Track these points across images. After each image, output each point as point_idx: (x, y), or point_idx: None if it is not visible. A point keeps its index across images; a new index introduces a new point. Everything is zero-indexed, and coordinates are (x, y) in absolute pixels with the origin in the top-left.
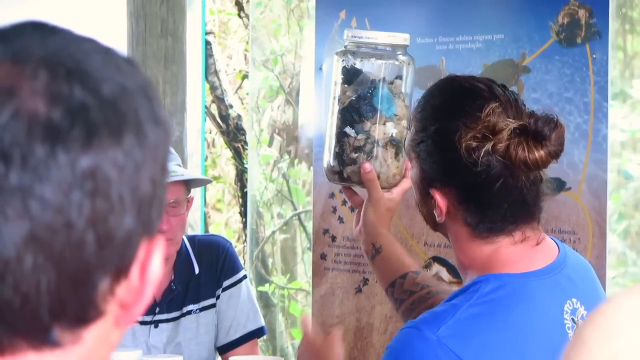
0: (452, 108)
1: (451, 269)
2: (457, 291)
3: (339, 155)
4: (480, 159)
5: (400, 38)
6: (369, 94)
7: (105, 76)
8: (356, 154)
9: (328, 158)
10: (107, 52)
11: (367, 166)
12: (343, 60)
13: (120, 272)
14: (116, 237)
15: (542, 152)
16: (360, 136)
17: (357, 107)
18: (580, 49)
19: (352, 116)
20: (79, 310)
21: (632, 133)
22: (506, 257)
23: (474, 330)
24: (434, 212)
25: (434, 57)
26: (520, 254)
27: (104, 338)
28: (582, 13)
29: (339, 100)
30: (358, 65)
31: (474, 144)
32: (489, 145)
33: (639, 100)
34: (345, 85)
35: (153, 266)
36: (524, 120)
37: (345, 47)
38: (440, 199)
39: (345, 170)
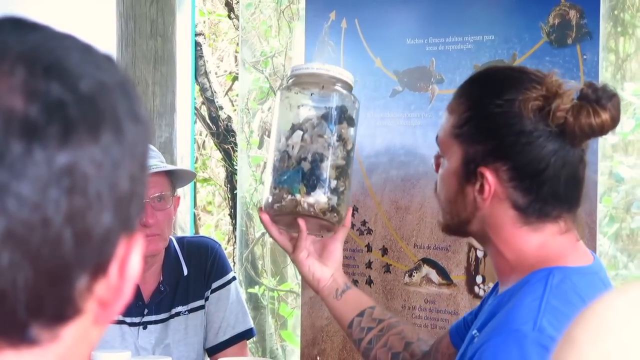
0: (508, 81)
1: (440, 271)
2: (513, 288)
3: (340, 194)
4: (544, 122)
5: (351, 77)
6: (354, 141)
7: (84, 72)
8: (349, 195)
9: (321, 191)
10: (86, 49)
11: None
12: (354, 100)
13: (99, 269)
14: (94, 234)
15: (607, 116)
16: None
17: (353, 152)
18: (571, 49)
19: (352, 160)
20: (57, 307)
21: (624, 135)
22: (557, 250)
23: (563, 321)
24: (476, 197)
25: (424, 58)
26: (568, 246)
27: (83, 336)
28: (572, 14)
29: (345, 139)
30: (303, 99)
31: (539, 103)
32: (556, 104)
33: (630, 103)
34: (350, 128)
35: (132, 263)
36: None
37: (288, 83)
38: (490, 177)
39: (341, 210)
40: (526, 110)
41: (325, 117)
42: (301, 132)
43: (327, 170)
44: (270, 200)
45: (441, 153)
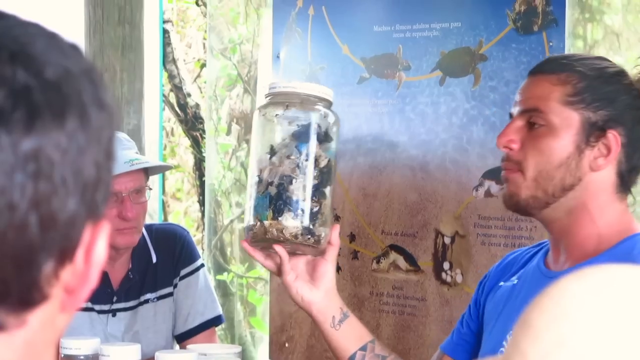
0: (608, 60)
1: (408, 258)
2: (612, 252)
3: (315, 215)
4: None
5: (325, 92)
6: (329, 153)
7: (49, 59)
8: (329, 216)
9: (289, 215)
10: (52, 37)
11: (338, 228)
12: (326, 115)
13: (65, 255)
14: (60, 219)
15: None
16: (330, 197)
17: (332, 167)
18: (537, 36)
19: (329, 177)
20: (23, 293)
21: None
22: (631, 219)
23: None
24: (596, 159)
25: (391, 46)
26: (635, 220)
27: (50, 322)
28: (538, 1)
29: (316, 157)
30: (276, 120)
31: None
32: None
33: None
34: (323, 145)
35: (98, 250)
36: None
37: (268, 99)
38: (619, 138)
39: (318, 231)
40: (638, 83)
41: (294, 137)
42: (268, 156)
43: (296, 192)
44: (246, 227)
45: (543, 122)
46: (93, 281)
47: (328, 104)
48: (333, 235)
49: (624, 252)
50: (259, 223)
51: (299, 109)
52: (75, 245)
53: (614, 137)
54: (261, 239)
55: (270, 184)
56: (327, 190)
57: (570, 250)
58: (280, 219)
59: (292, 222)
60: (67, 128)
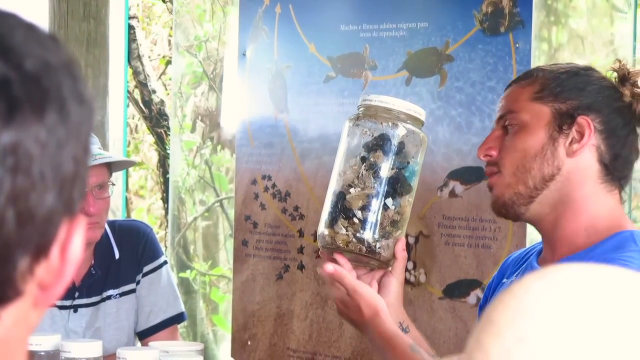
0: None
1: None
2: (597, 248)
3: (372, 225)
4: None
5: (414, 109)
6: (404, 168)
7: (29, 51)
8: (392, 228)
9: (342, 223)
10: (31, 28)
11: (404, 242)
12: (396, 127)
13: (40, 251)
14: (37, 215)
15: None
16: (397, 210)
17: (402, 180)
18: (503, 38)
19: (394, 188)
20: None
21: None
22: (622, 216)
23: None
24: (571, 146)
25: (358, 45)
26: (626, 217)
27: (23, 319)
28: (505, 2)
29: (378, 168)
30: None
31: (620, 75)
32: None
33: None
34: (394, 158)
35: (74, 247)
36: None
37: (361, 112)
38: (591, 124)
39: (380, 242)
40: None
41: (363, 147)
42: (337, 166)
43: (353, 201)
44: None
45: (516, 121)
46: (68, 278)
47: (415, 122)
48: (396, 249)
49: (611, 249)
50: (318, 231)
51: (373, 120)
52: (51, 241)
53: (585, 122)
54: (321, 246)
55: (333, 192)
56: (390, 202)
57: (559, 245)
58: (334, 226)
59: (342, 230)
60: (47, 122)
